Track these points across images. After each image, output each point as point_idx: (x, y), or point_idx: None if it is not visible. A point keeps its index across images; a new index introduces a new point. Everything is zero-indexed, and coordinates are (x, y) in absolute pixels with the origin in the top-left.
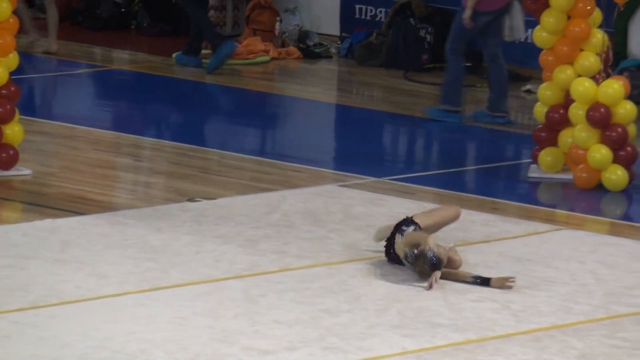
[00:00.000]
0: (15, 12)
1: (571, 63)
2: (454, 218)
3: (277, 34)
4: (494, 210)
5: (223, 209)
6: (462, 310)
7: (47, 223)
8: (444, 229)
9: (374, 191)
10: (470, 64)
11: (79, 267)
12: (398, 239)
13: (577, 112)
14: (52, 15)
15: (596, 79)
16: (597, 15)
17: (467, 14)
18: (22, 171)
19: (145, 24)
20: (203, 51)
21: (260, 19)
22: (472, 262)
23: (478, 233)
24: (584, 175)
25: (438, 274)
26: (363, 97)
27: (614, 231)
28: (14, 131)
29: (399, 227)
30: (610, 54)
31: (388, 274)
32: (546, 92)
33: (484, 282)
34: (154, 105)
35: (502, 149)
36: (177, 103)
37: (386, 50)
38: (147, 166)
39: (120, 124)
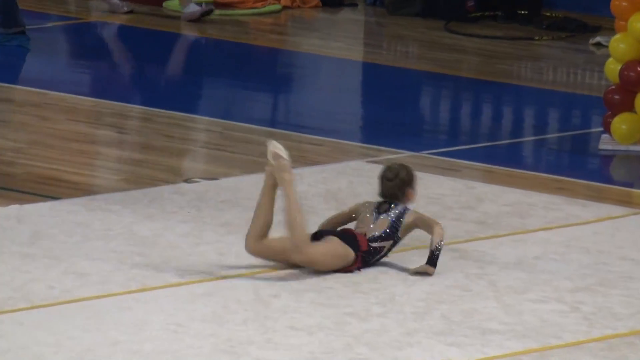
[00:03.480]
0: None
1: None
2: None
3: None
4: (558, 190)
5: (227, 191)
6: (520, 312)
7: (14, 210)
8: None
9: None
10: (526, 13)
11: (52, 263)
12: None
13: None
14: None
15: None
16: None
17: None
18: None
19: None
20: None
21: None
22: (532, 254)
23: (538, 219)
24: None
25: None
26: (396, 53)
27: None
28: None
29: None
30: None
31: None
32: (620, 46)
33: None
34: (141, 65)
35: (567, 115)
36: (169, 63)
37: None
38: (134, 140)
39: (100, 89)
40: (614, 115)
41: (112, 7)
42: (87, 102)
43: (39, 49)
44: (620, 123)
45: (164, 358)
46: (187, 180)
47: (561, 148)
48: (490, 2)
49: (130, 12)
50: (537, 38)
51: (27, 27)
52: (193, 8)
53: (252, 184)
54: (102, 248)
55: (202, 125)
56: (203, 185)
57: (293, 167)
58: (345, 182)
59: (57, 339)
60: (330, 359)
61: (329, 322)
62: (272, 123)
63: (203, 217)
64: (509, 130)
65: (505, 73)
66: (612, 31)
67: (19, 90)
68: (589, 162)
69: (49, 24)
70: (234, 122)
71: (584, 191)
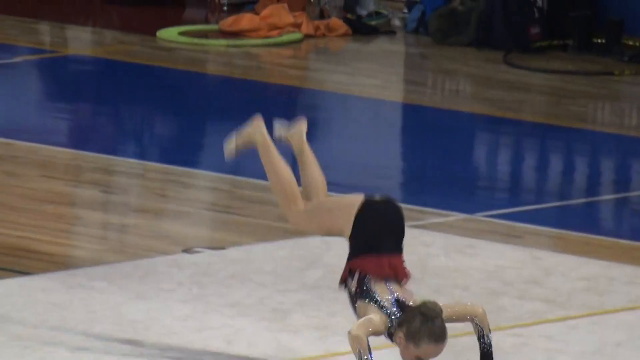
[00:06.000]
0: None
1: None
2: None
3: None
4: None
5: (237, 264)
6: None
7: None
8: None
9: (462, 234)
10: (604, 41)
11: (22, 353)
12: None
13: None
14: None
15: None
16: None
17: None
18: None
19: None
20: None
21: None
22: (613, 340)
23: (620, 296)
24: None
25: None
26: (443, 92)
27: None
28: None
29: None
30: None
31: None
32: None
33: None
34: (130, 108)
35: None
36: (166, 105)
37: (477, 22)
38: (122, 200)
39: (80, 138)
40: None
41: None
42: (65, 154)
43: (5, 88)
44: None
45: None
46: (187, 251)
47: None
48: (559, 28)
49: None
50: (617, 73)
51: None
52: None
53: (266, 255)
54: (84, 334)
55: (205, 183)
56: (207, 256)
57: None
58: None
59: None
60: None
61: None
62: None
63: (207, 296)
64: (583, 187)
65: (578, 116)
66: None
67: None
68: None
69: (17, 59)
70: (244, 179)
71: None
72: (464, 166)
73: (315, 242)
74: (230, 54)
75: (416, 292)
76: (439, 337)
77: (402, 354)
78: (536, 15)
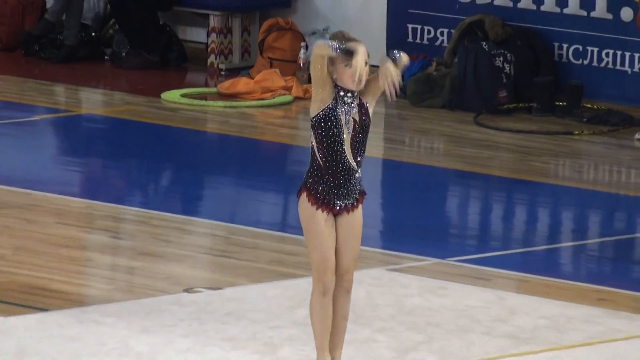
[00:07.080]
0: None
1: None
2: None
3: (302, 64)
4: (600, 301)
5: (233, 303)
6: None
7: None
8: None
9: (435, 277)
10: (565, 104)
11: None
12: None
13: None
14: None
15: None
16: None
17: None
18: None
19: (123, 53)
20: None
21: (279, 45)
22: None
23: (577, 333)
24: None
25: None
26: (419, 149)
27: None
28: None
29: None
30: None
31: None
32: None
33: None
34: (137, 162)
35: (610, 218)
36: (169, 160)
37: (450, 86)
38: (129, 245)
39: (92, 189)
40: None
41: None
42: (78, 203)
43: (24, 144)
44: None
45: None
46: (188, 290)
47: (603, 255)
48: (524, 92)
49: None
50: (576, 132)
51: (11, 120)
52: None
53: (259, 295)
54: None
55: (204, 229)
56: (206, 295)
57: (307, 276)
58: (364, 292)
59: None
60: None
61: None
62: (283, 227)
63: (206, 331)
64: (545, 235)
65: (541, 171)
66: None
67: (1, 191)
68: (634, 270)
69: (36, 117)
70: (239, 226)
71: (628, 303)
72: (437, 216)
73: (303, 284)
74: (227, 114)
75: (393, 328)
76: (345, 33)
77: (347, 77)
78: (504, 80)
